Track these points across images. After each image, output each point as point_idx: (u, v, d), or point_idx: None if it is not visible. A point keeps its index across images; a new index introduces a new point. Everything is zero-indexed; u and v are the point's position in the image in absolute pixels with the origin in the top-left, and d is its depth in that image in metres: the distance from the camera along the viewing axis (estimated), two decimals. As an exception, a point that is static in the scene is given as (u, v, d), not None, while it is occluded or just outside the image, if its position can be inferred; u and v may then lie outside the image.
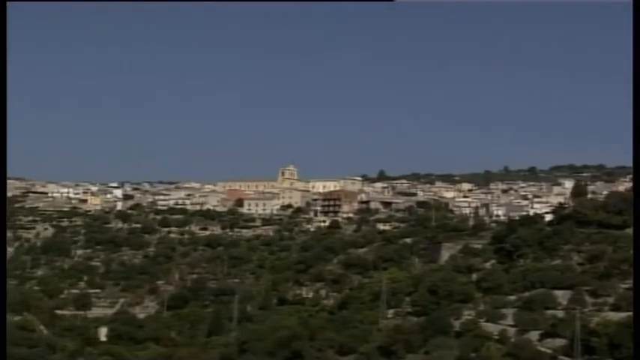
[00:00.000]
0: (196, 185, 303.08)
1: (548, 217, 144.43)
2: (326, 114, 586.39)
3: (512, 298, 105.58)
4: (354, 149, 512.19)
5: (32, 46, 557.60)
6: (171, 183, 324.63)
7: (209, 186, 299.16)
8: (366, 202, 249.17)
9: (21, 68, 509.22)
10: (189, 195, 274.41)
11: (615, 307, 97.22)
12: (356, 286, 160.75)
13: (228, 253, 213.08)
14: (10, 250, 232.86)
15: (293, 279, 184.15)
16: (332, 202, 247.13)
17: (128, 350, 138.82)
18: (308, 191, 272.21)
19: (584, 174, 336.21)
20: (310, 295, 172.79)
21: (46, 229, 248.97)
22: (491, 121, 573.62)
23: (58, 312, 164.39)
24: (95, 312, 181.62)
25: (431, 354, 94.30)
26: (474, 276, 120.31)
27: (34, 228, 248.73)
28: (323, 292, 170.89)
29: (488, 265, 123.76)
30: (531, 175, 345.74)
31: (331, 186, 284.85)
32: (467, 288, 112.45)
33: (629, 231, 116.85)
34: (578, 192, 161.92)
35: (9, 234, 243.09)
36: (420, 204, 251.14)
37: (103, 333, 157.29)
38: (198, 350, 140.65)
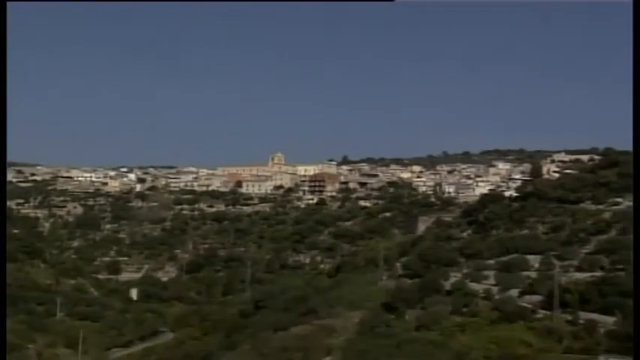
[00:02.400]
0: (194, 169, 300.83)
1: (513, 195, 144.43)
2: (302, 108, 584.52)
3: (491, 262, 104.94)
4: (323, 137, 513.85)
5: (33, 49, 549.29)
6: (172, 167, 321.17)
7: (208, 170, 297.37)
8: (346, 183, 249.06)
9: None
10: (196, 178, 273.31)
11: (579, 269, 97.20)
12: (347, 254, 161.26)
13: (232, 227, 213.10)
14: (46, 225, 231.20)
15: (291, 248, 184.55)
16: (317, 183, 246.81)
17: (157, 307, 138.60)
18: (295, 174, 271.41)
19: (509, 157, 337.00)
20: (307, 260, 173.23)
21: (75, 207, 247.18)
22: (431, 111, 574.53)
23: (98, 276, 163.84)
24: (125, 276, 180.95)
25: (428, 309, 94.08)
26: (454, 244, 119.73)
27: (65, 206, 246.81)
28: (319, 259, 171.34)
29: (465, 234, 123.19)
30: (467, 158, 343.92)
31: (311, 170, 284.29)
32: (451, 254, 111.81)
33: (584, 205, 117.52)
34: (535, 173, 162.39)
35: (45, 212, 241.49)
36: (391, 184, 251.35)
37: (134, 293, 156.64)
38: (219, 307, 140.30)
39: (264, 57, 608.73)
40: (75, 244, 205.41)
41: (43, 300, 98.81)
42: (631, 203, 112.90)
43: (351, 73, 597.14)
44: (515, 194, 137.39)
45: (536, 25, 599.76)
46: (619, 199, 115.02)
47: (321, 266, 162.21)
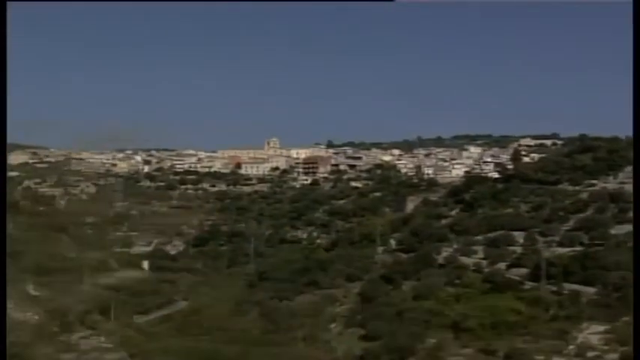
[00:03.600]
0: (194, 152, 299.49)
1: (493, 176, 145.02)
2: (290, 97, 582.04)
3: (479, 238, 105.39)
4: (308, 123, 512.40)
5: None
6: (172, 150, 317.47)
7: (206, 153, 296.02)
8: (337, 165, 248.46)
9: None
10: (199, 160, 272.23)
11: (561, 244, 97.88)
12: (341, 230, 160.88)
13: (234, 205, 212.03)
14: (62, 202, 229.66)
15: (289, 224, 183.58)
16: (310, 165, 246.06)
17: (170, 278, 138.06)
18: (289, 157, 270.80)
19: (478, 141, 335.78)
20: (305, 236, 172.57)
21: (88, 186, 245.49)
22: (406, 98, 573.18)
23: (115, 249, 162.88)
24: (136, 249, 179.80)
25: (423, 281, 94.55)
26: (444, 222, 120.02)
27: (79, 185, 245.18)
28: (315, 234, 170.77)
29: (453, 213, 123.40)
30: (439, 142, 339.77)
31: (303, 153, 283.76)
32: (442, 231, 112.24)
33: (562, 186, 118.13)
34: (515, 157, 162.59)
35: (61, 190, 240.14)
36: (377, 166, 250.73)
37: (146, 265, 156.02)
38: (226, 278, 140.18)
39: (258, 49, 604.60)
40: (90, 219, 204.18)
41: (68, 271, 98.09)
42: (605, 184, 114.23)
43: (339, 66, 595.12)
44: (497, 176, 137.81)
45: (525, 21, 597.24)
46: (594, 181, 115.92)
47: (318, 241, 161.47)
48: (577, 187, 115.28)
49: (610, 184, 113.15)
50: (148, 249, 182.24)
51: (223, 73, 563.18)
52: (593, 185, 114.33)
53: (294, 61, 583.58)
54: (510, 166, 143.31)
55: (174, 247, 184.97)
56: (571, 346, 70.75)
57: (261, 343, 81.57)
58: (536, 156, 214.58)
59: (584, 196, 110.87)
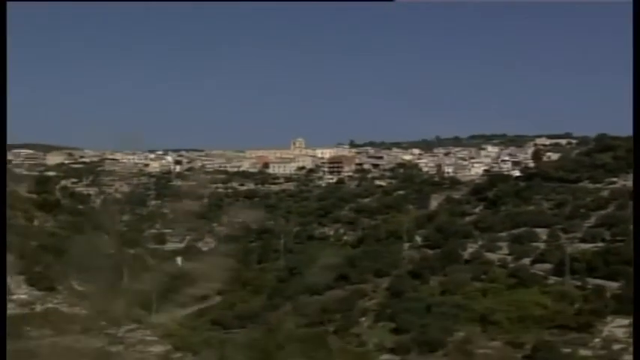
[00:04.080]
0: (222, 152, 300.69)
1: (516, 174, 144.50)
2: (313, 98, 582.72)
3: (503, 234, 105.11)
4: (333, 123, 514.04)
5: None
6: (200, 150, 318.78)
7: (233, 153, 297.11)
8: (361, 164, 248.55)
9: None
10: (228, 160, 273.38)
11: (583, 240, 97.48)
12: (367, 227, 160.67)
13: (262, 203, 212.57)
14: (97, 201, 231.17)
15: (316, 221, 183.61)
16: (335, 165, 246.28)
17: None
18: (315, 156, 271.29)
19: (494, 141, 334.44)
20: (332, 233, 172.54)
21: (121, 185, 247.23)
22: (425, 99, 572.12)
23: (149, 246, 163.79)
24: (169, 246, 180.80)
25: (450, 276, 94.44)
26: (467, 219, 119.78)
27: (113, 185, 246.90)
28: (341, 231, 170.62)
29: (477, 210, 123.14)
30: (457, 142, 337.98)
31: (327, 152, 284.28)
32: (466, 227, 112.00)
33: (583, 184, 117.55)
34: (537, 156, 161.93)
35: (96, 189, 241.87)
36: (399, 165, 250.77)
37: (179, 261, 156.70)
38: (257, 274, 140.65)
39: (274, 54, 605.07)
40: (125, 217, 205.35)
41: (108, 267, 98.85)
42: (625, 182, 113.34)
43: (355, 67, 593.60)
44: (518, 174, 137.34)
45: (531, 23, 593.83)
46: (614, 179, 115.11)
47: (345, 238, 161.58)
48: (597, 185, 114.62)
49: (630, 181, 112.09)
50: (181, 245, 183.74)
51: (242, 77, 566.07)
52: (614, 183, 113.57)
53: (308, 62, 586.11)
54: (532, 165, 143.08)
55: (206, 244, 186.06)
56: (597, 339, 70.53)
57: (296, 337, 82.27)
58: (552, 155, 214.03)
59: (605, 193, 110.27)
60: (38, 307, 56.23)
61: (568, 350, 68.47)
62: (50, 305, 56.78)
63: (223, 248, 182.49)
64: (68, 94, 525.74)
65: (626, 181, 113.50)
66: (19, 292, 58.64)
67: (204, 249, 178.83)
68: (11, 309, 57.59)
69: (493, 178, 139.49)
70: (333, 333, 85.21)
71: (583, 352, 68.51)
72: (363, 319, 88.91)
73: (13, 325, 52.77)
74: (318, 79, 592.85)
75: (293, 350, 76.17)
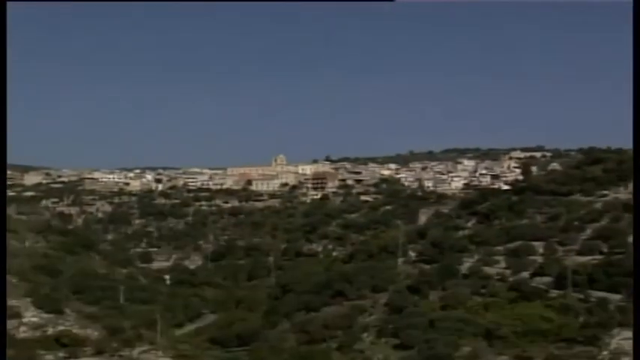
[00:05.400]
0: (199, 170, 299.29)
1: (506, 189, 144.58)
2: (289, 113, 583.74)
3: (500, 248, 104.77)
4: (305, 139, 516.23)
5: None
6: (177, 169, 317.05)
7: (211, 171, 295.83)
8: (344, 180, 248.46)
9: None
10: (211, 177, 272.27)
11: (580, 253, 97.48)
12: (357, 242, 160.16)
13: (248, 220, 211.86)
14: (79, 220, 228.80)
15: (303, 238, 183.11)
16: (319, 181, 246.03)
17: (197, 292, 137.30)
18: (297, 173, 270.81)
19: (468, 154, 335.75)
20: (320, 249, 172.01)
21: (102, 205, 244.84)
22: (396, 114, 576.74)
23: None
24: (156, 265, 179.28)
25: (449, 291, 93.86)
26: (460, 233, 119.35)
27: (94, 204, 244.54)
28: (330, 247, 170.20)
29: (469, 224, 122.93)
30: (431, 156, 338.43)
31: (307, 168, 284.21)
32: (462, 241, 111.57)
33: (575, 197, 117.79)
34: (525, 170, 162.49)
35: (77, 209, 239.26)
36: (382, 180, 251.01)
37: (167, 279, 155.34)
38: (249, 292, 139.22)
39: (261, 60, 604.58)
40: (109, 237, 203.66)
41: (105, 288, 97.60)
42: (617, 195, 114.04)
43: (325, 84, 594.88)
44: (508, 188, 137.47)
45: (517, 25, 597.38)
46: (606, 192, 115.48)
47: (334, 254, 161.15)
48: (590, 198, 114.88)
49: (621, 194, 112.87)
50: (168, 264, 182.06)
51: (218, 92, 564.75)
52: (605, 196, 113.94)
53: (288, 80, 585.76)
54: (510, 178, 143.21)
55: (193, 262, 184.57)
56: (605, 352, 70.35)
57: (301, 355, 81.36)
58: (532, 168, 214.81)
59: (598, 206, 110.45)
60: (50, 330, 55.33)
61: (577, 364, 68.24)
62: (62, 328, 55.81)
63: (211, 266, 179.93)
64: (40, 112, 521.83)
65: (617, 194, 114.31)
66: (28, 314, 57.74)
67: (192, 267, 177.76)
68: (24, 332, 56.89)
69: (483, 192, 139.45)
70: (337, 350, 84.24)
71: (592, 365, 68.28)
72: (365, 334, 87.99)
73: (28, 349, 51.61)
74: (294, 95, 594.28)
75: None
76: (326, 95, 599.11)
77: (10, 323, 55.94)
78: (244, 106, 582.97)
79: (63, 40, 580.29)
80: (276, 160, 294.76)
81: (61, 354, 53.02)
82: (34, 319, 57.77)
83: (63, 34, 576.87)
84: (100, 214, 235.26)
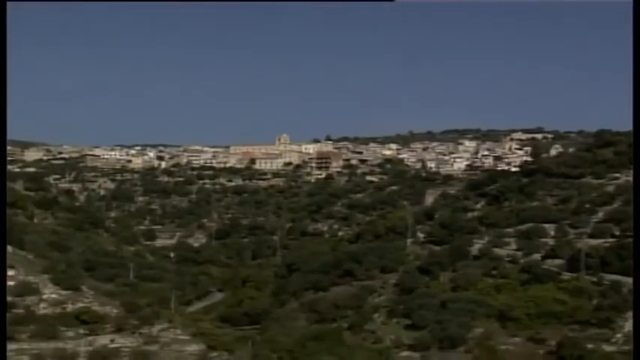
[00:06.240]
0: (200, 147, 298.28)
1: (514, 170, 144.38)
2: (289, 95, 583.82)
3: (510, 230, 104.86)
4: (310, 119, 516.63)
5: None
6: (179, 146, 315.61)
7: (211, 148, 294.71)
8: (348, 160, 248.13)
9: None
10: (214, 155, 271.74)
11: (592, 236, 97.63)
12: (362, 223, 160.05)
13: (251, 199, 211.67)
14: (81, 197, 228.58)
15: (308, 217, 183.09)
16: (323, 160, 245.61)
17: (205, 270, 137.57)
18: (301, 152, 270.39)
19: (468, 135, 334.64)
20: (326, 228, 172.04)
21: (105, 182, 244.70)
22: (396, 94, 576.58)
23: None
24: (159, 242, 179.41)
25: (460, 272, 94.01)
26: (470, 215, 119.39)
27: (97, 181, 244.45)
28: (336, 227, 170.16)
29: (478, 206, 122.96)
30: (431, 136, 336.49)
31: (310, 148, 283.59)
32: (471, 223, 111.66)
33: (586, 180, 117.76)
34: (535, 152, 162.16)
35: (79, 186, 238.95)
36: (386, 160, 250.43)
37: (172, 256, 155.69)
38: (255, 270, 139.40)
39: (259, 53, 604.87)
40: (112, 214, 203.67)
41: (115, 265, 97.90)
42: (628, 178, 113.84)
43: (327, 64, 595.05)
44: (517, 169, 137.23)
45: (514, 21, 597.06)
46: (617, 175, 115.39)
47: (340, 234, 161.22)
48: (601, 181, 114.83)
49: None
50: (172, 242, 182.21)
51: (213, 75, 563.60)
52: (617, 178, 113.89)
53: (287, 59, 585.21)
54: (512, 159, 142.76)
55: (197, 240, 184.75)
56: (618, 335, 70.67)
57: (312, 334, 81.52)
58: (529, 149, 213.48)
59: (610, 189, 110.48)
60: (70, 307, 55.50)
61: (591, 346, 68.47)
62: (81, 305, 56.00)
63: (215, 244, 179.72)
64: (42, 88, 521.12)
65: (629, 177, 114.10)
66: (47, 291, 57.95)
67: (196, 245, 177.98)
68: (44, 309, 57.12)
69: (491, 173, 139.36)
70: (348, 329, 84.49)
71: (607, 347, 68.54)
72: (376, 315, 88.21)
73: (49, 325, 51.76)
74: (297, 76, 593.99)
75: (313, 347, 75.53)
76: (325, 77, 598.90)
77: (30, 300, 56.25)
78: (243, 85, 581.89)
79: (62, 14, 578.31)
80: (279, 139, 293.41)
81: (81, 331, 53.31)
82: (54, 296, 57.94)
83: (62, 9, 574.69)
84: (102, 191, 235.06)
